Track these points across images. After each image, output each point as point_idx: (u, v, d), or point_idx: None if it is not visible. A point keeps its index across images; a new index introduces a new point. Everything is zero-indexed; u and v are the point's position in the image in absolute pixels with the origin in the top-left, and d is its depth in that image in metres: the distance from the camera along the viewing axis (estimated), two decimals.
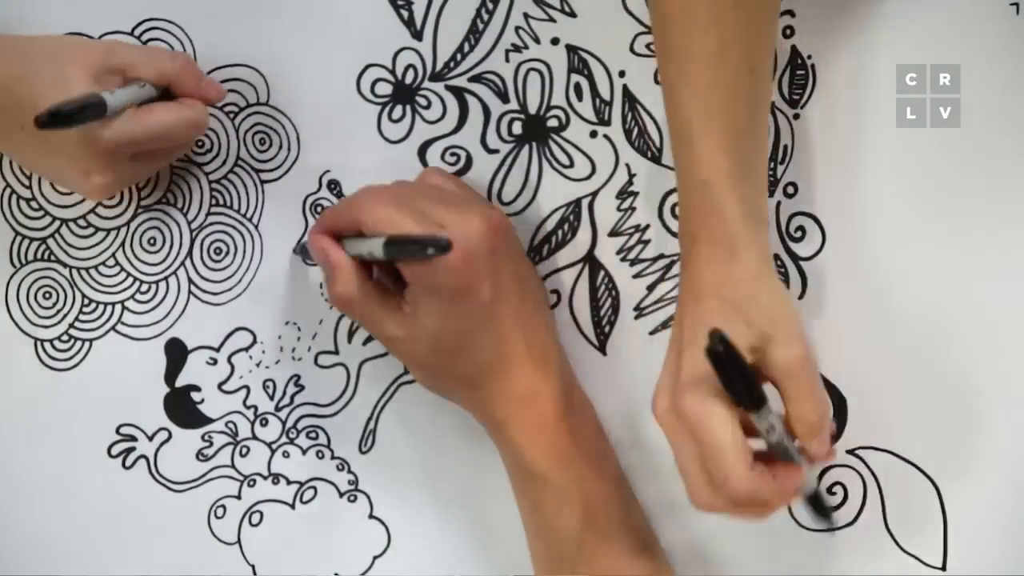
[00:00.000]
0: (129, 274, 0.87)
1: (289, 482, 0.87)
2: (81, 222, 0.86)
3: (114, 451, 0.87)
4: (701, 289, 0.75)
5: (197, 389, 0.87)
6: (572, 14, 0.86)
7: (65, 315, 0.87)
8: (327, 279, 0.81)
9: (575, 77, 0.86)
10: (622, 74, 0.86)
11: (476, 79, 0.86)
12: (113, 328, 0.87)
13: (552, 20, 0.86)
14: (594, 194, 0.87)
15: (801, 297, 0.86)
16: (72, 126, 0.74)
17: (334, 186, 0.87)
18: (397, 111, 0.87)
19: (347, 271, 0.80)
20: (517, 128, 0.87)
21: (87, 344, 0.87)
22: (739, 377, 0.69)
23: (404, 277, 0.79)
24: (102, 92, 0.77)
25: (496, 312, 0.79)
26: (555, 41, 0.86)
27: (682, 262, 0.78)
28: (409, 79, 0.87)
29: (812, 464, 0.75)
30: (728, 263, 0.75)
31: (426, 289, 0.78)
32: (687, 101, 0.76)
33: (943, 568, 0.86)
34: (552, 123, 0.86)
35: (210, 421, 0.87)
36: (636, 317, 0.87)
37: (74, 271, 0.87)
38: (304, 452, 0.87)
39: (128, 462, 0.87)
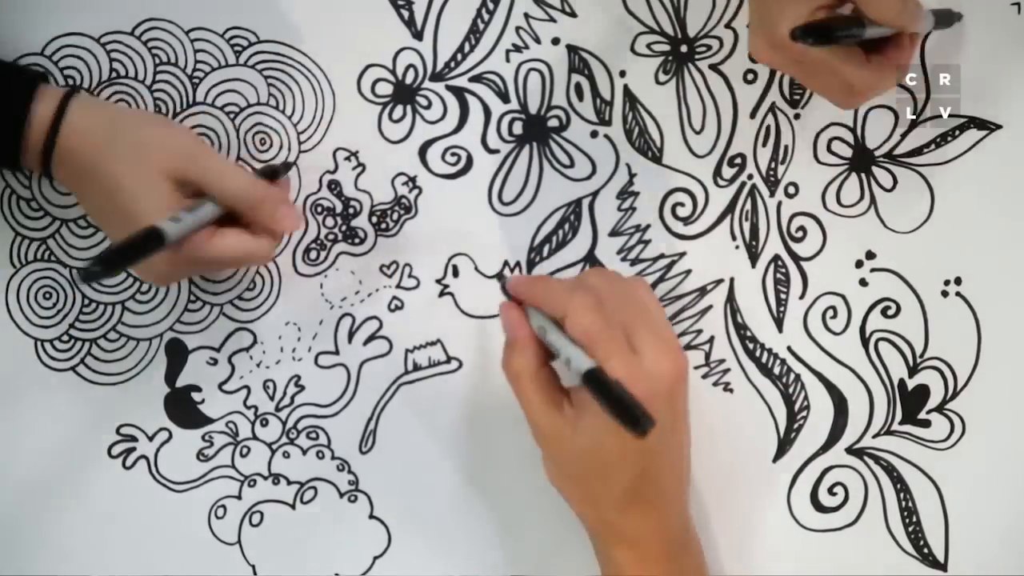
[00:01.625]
0: (129, 274, 0.87)
1: (289, 482, 0.87)
2: (81, 222, 0.86)
3: (114, 451, 0.87)
4: None
5: (198, 389, 0.87)
6: (573, 14, 0.86)
7: (65, 315, 0.86)
8: (507, 346, 0.79)
9: (576, 77, 0.86)
10: (623, 74, 0.86)
11: (477, 79, 0.86)
12: (113, 328, 0.87)
13: (553, 20, 0.86)
14: (595, 194, 0.87)
15: (802, 297, 0.86)
16: (128, 266, 0.72)
17: (334, 186, 0.87)
18: (398, 111, 0.87)
19: (530, 347, 0.78)
20: (518, 128, 0.87)
21: (87, 344, 0.86)
22: (838, 35, 0.73)
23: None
24: (163, 223, 0.74)
25: (649, 453, 0.77)
26: (556, 41, 0.86)
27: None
28: (410, 79, 0.87)
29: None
30: None
31: (596, 412, 0.73)
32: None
33: (944, 568, 0.86)
34: (553, 123, 0.86)
35: (210, 421, 0.87)
36: None
37: (75, 271, 0.86)
38: (304, 452, 0.87)
39: (128, 462, 0.87)
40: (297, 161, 0.86)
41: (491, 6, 0.86)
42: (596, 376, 0.71)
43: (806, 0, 0.75)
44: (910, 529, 0.86)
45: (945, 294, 0.86)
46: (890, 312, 0.86)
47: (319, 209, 0.87)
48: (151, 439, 0.87)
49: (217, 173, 0.79)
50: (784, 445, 0.87)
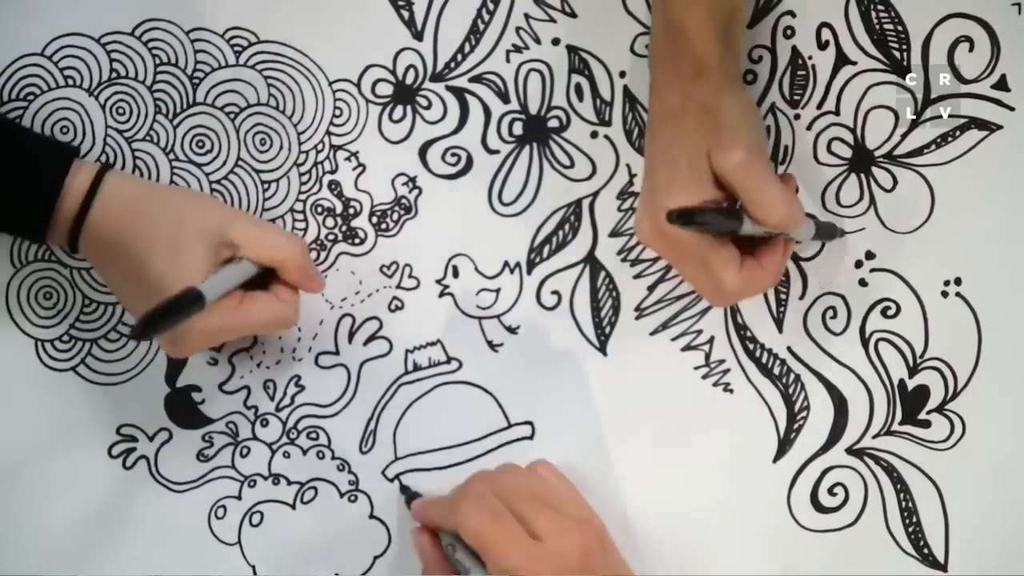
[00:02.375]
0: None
1: (290, 482, 0.87)
2: None
3: (115, 451, 0.87)
4: (667, 107, 0.78)
5: (198, 389, 0.87)
6: (573, 14, 0.86)
7: (66, 315, 0.86)
8: (423, 572, 0.83)
9: (576, 77, 0.86)
10: (623, 74, 0.86)
11: (477, 79, 0.86)
12: (114, 328, 0.87)
13: (553, 20, 0.86)
14: (595, 194, 0.87)
15: (802, 297, 0.86)
16: (168, 327, 0.72)
17: (334, 186, 0.87)
18: (398, 111, 0.87)
19: (440, 573, 0.81)
20: (518, 128, 0.87)
21: (88, 344, 0.86)
22: (709, 223, 0.74)
23: None
24: (202, 285, 0.74)
25: None
26: (556, 41, 0.86)
27: (651, 85, 0.81)
28: (410, 79, 0.87)
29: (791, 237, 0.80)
30: (693, 80, 0.77)
31: None
32: None
33: (944, 568, 0.86)
34: (553, 123, 0.86)
35: (211, 421, 0.87)
36: (637, 318, 0.87)
37: (75, 271, 0.86)
38: (304, 452, 0.87)
39: (129, 462, 0.87)
40: (297, 161, 0.86)
41: (491, 6, 0.86)
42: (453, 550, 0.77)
43: (696, 189, 0.76)
44: (910, 529, 0.86)
45: (945, 294, 0.86)
46: (890, 312, 0.86)
47: (319, 209, 0.87)
48: (151, 439, 0.87)
49: (255, 232, 0.81)
50: (784, 445, 0.87)
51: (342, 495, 0.87)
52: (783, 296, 0.86)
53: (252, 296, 0.81)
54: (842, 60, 0.85)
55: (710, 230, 0.76)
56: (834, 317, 0.86)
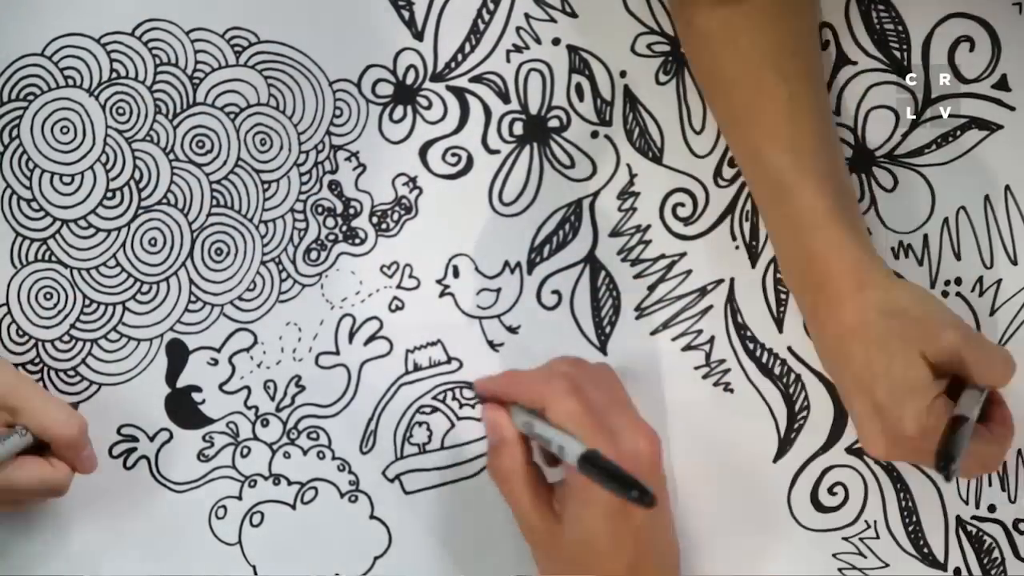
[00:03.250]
0: (130, 274, 0.87)
1: (290, 483, 0.87)
2: (82, 223, 0.86)
3: (115, 451, 0.87)
4: (845, 326, 0.77)
5: (198, 390, 0.87)
6: (573, 14, 0.86)
7: (66, 316, 0.86)
8: (492, 448, 0.80)
9: (576, 77, 0.86)
10: (623, 74, 0.86)
11: (477, 79, 0.86)
12: (114, 328, 0.87)
13: (553, 20, 0.86)
14: (595, 194, 0.87)
15: None
16: None
17: (334, 186, 0.87)
18: (398, 111, 0.87)
19: (516, 448, 0.79)
20: (518, 128, 0.87)
21: (88, 344, 0.86)
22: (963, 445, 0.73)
23: (565, 474, 0.78)
24: None
25: (640, 535, 0.78)
26: (556, 41, 0.86)
27: (808, 310, 0.81)
28: (410, 79, 0.87)
29: None
30: (860, 291, 0.77)
31: (584, 501, 0.77)
32: (774, 156, 0.79)
33: (944, 568, 0.86)
34: (553, 123, 0.86)
35: (211, 422, 0.87)
36: (637, 318, 0.87)
37: (75, 272, 0.86)
38: (305, 453, 0.87)
39: (129, 462, 0.87)
40: (297, 161, 0.86)
41: (491, 6, 0.86)
42: (593, 458, 0.74)
43: (921, 391, 0.76)
44: (910, 529, 0.86)
45: (945, 294, 0.86)
46: None
47: (319, 209, 0.87)
48: (152, 439, 0.87)
49: (36, 404, 0.80)
50: (784, 445, 0.87)
51: (342, 495, 0.87)
52: (783, 296, 0.86)
53: (23, 460, 0.80)
54: (842, 60, 0.85)
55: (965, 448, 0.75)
56: None
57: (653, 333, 0.87)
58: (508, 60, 0.86)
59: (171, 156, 0.86)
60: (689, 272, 0.87)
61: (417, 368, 0.87)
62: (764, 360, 0.87)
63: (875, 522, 0.86)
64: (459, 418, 0.87)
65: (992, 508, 0.86)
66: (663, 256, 0.87)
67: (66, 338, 0.87)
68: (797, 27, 0.81)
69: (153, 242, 0.87)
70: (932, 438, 0.74)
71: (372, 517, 0.87)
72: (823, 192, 0.78)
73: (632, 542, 0.77)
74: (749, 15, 0.79)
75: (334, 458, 0.87)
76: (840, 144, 0.84)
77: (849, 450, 0.86)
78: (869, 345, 0.77)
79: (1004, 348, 0.80)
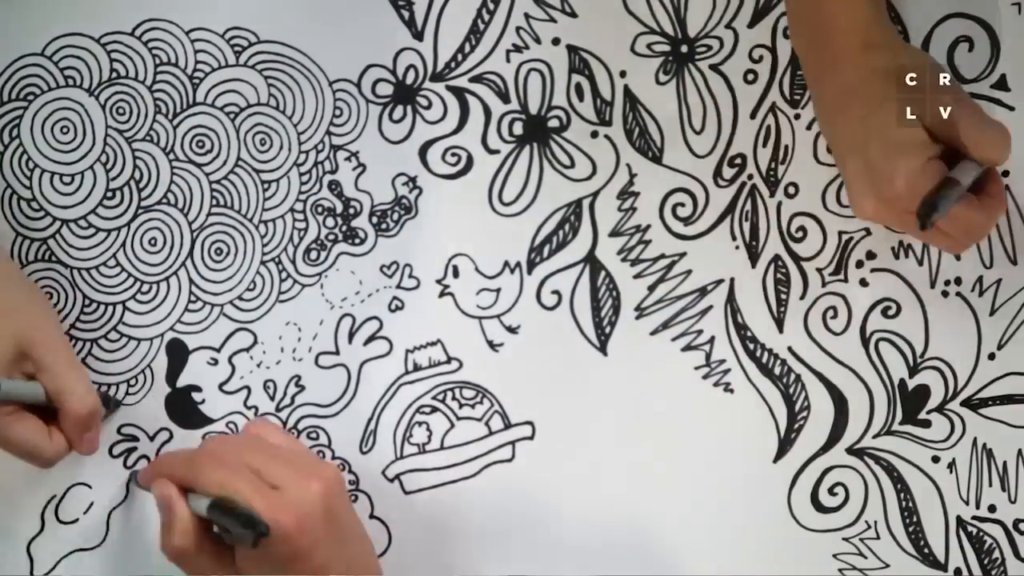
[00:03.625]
0: (130, 274, 0.87)
1: None
2: (82, 223, 0.86)
3: (116, 451, 0.87)
4: (846, 83, 0.78)
5: (198, 389, 0.87)
6: (573, 14, 0.86)
7: (66, 315, 0.86)
8: (163, 528, 0.80)
9: (576, 77, 0.86)
10: (623, 74, 0.86)
11: (477, 79, 0.86)
12: (114, 328, 0.87)
13: (553, 20, 0.86)
14: (595, 194, 0.87)
15: (802, 297, 0.86)
16: None
17: (334, 186, 0.87)
18: (398, 111, 0.87)
19: (184, 524, 0.78)
20: (518, 128, 0.87)
21: (88, 344, 0.86)
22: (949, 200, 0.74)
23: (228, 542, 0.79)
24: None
25: (327, 572, 0.78)
26: (556, 41, 0.86)
27: (810, 63, 0.81)
28: (410, 79, 0.87)
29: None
30: (864, 52, 0.77)
31: (258, 555, 0.76)
32: None
33: (944, 568, 0.86)
34: (553, 123, 0.86)
35: (211, 421, 0.87)
36: (637, 317, 0.87)
37: (75, 271, 0.86)
38: None
39: (130, 462, 0.87)
40: (297, 161, 0.86)
41: (491, 6, 0.86)
42: (215, 504, 0.76)
43: (915, 150, 0.76)
44: (910, 529, 0.86)
45: (945, 294, 0.86)
46: (890, 312, 0.86)
47: (319, 209, 0.87)
48: (152, 439, 0.87)
49: (66, 368, 0.81)
50: (784, 445, 0.87)
51: None
52: (783, 296, 0.86)
53: (24, 415, 0.80)
54: None
55: (950, 206, 0.75)
56: (834, 317, 0.86)
57: (653, 333, 0.87)
58: (508, 60, 0.86)
59: (171, 156, 0.86)
60: (689, 272, 0.87)
61: (417, 368, 0.87)
62: (764, 360, 0.87)
63: (875, 522, 0.86)
64: (459, 418, 0.87)
65: (992, 508, 0.86)
66: (663, 256, 0.87)
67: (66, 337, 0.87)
68: None
69: (153, 242, 0.87)
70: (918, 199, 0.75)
71: (372, 517, 0.87)
72: None
73: None
74: None
75: (334, 458, 0.87)
76: None
77: (849, 450, 0.86)
78: (868, 103, 0.77)
79: (1002, 124, 0.79)
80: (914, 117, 0.76)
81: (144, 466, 0.84)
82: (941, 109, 0.76)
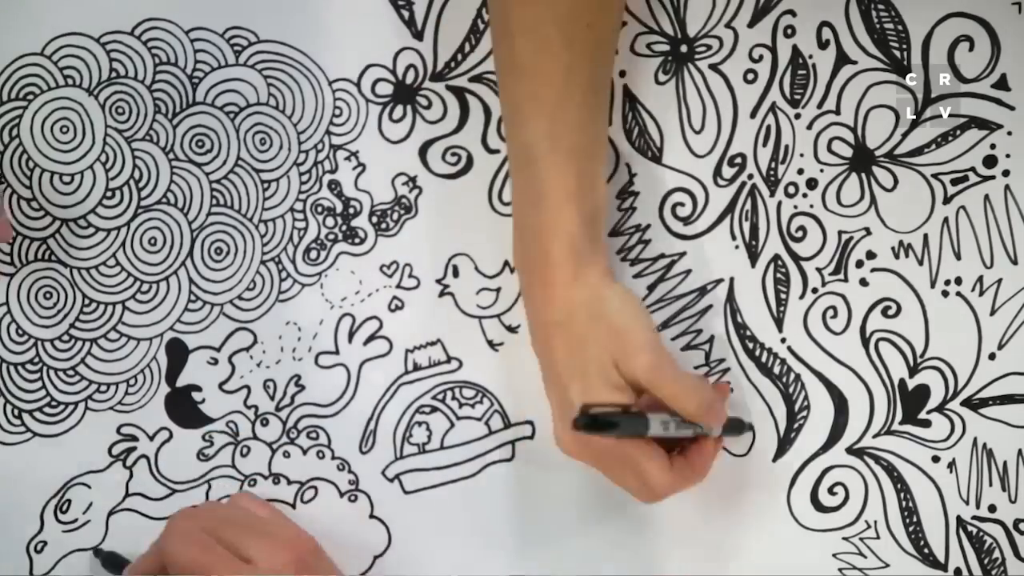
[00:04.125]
0: (130, 274, 0.87)
1: (290, 482, 0.87)
2: (82, 222, 0.86)
3: (115, 451, 0.87)
4: (552, 316, 0.78)
5: (198, 389, 0.87)
6: None
7: (66, 315, 0.87)
8: None
9: None
10: (622, 74, 0.86)
11: (477, 79, 0.86)
12: (114, 328, 0.87)
13: None
14: None
15: (801, 297, 0.86)
16: None
17: (334, 186, 0.87)
18: (398, 111, 0.87)
19: None
20: None
21: (88, 344, 0.86)
22: (616, 428, 0.74)
23: None
24: None
25: None
26: None
27: (525, 288, 0.81)
28: (410, 79, 0.87)
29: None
30: (572, 286, 0.78)
31: None
32: (532, 120, 0.78)
33: (944, 568, 0.86)
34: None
35: (211, 421, 0.87)
36: None
37: (75, 271, 0.86)
38: (305, 452, 0.87)
39: (129, 461, 0.87)
40: (297, 161, 0.86)
41: None
42: None
43: (616, 396, 0.76)
44: (910, 529, 0.86)
45: (945, 294, 0.86)
46: (890, 312, 0.86)
47: (319, 209, 0.87)
48: (151, 439, 0.87)
49: None
50: (784, 445, 0.87)
51: (342, 495, 0.87)
52: (783, 296, 0.86)
53: None
54: (842, 59, 0.85)
55: (623, 435, 0.76)
56: (834, 317, 0.86)
57: None
58: None
59: (171, 155, 0.86)
60: (689, 272, 0.87)
61: (417, 368, 0.87)
62: (764, 360, 0.87)
63: (875, 522, 0.86)
64: (459, 418, 0.87)
65: (992, 508, 0.86)
66: (663, 256, 0.87)
67: (66, 337, 0.87)
68: (598, 1, 0.79)
69: (153, 241, 0.87)
70: (615, 445, 0.76)
71: (372, 517, 0.87)
72: (568, 171, 0.77)
73: None
74: None
75: (334, 457, 0.87)
76: (606, 125, 0.82)
77: (849, 450, 0.86)
78: (570, 342, 0.78)
79: (708, 386, 0.80)
80: (613, 365, 0.77)
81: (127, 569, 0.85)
82: (634, 366, 0.76)
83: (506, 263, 0.87)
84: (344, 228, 0.87)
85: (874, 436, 0.86)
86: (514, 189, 0.81)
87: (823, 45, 0.85)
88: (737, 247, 0.86)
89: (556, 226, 0.78)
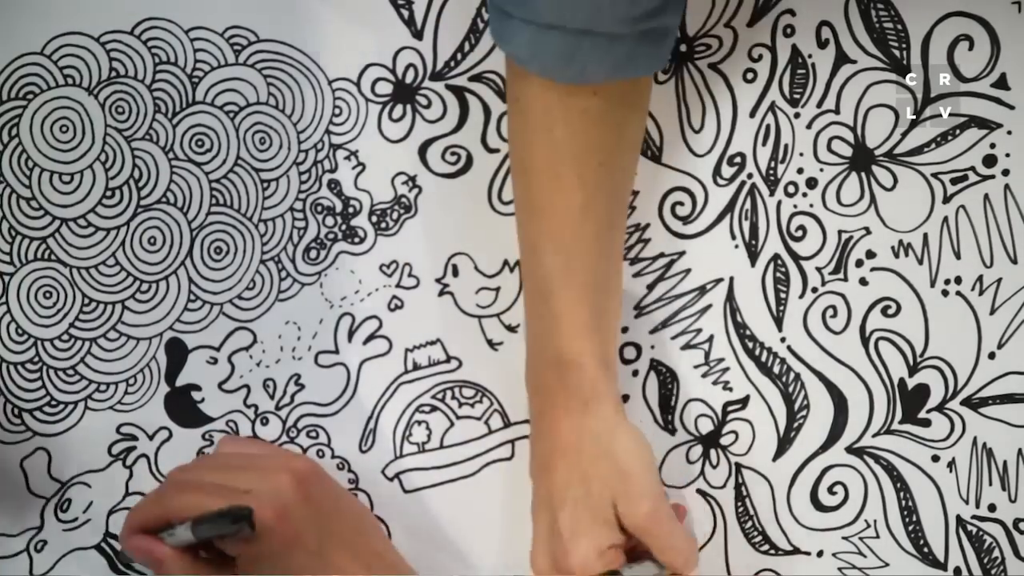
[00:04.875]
0: (129, 274, 0.87)
1: None
2: (81, 222, 0.86)
3: (115, 450, 0.87)
4: (560, 443, 0.79)
5: (197, 388, 0.87)
6: None
7: (65, 315, 0.86)
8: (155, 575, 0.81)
9: None
10: None
11: (476, 78, 0.86)
12: (113, 327, 0.87)
13: None
14: None
15: (801, 296, 0.86)
16: None
17: (334, 185, 0.87)
18: (397, 110, 0.87)
19: (174, 561, 0.79)
20: None
21: (87, 343, 0.87)
22: None
23: (228, 553, 0.79)
24: None
25: (328, 553, 0.79)
26: None
27: (536, 414, 0.81)
28: (409, 78, 0.87)
29: None
30: (584, 415, 0.78)
31: (254, 558, 0.78)
32: (548, 256, 0.79)
33: (944, 568, 0.86)
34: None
35: (211, 420, 0.87)
36: (636, 316, 0.87)
37: (74, 271, 0.86)
38: (304, 451, 0.87)
39: (129, 461, 0.87)
40: (297, 160, 0.86)
41: None
42: (199, 520, 0.76)
43: (605, 535, 0.77)
44: (910, 528, 0.86)
45: (945, 293, 0.86)
46: (890, 312, 0.86)
47: (319, 209, 0.87)
48: (151, 438, 0.87)
49: None
50: (784, 444, 0.87)
51: None
52: (783, 295, 0.86)
53: None
54: (842, 59, 0.85)
55: None
56: (834, 316, 0.86)
57: (652, 332, 0.87)
58: None
59: (170, 155, 0.86)
60: (688, 271, 0.87)
61: (416, 367, 0.87)
62: (763, 359, 0.87)
63: (875, 521, 0.86)
64: (458, 417, 0.87)
65: (992, 507, 0.86)
66: (662, 255, 0.87)
67: (65, 337, 0.87)
68: (612, 140, 0.80)
69: (152, 241, 0.87)
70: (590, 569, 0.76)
71: None
72: (583, 304, 0.79)
73: (315, 562, 0.79)
74: (570, 109, 0.78)
75: (333, 456, 0.87)
76: (620, 260, 0.83)
77: (849, 449, 0.86)
78: (572, 470, 0.78)
79: (692, 539, 0.80)
80: (611, 503, 0.77)
81: (123, 528, 0.84)
82: (634, 510, 0.77)
83: (505, 262, 0.87)
84: (344, 227, 0.87)
85: (874, 435, 0.86)
86: (528, 319, 0.82)
87: (822, 44, 0.85)
88: (737, 246, 0.86)
89: (571, 356, 0.79)
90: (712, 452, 0.87)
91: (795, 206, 0.86)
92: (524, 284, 0.83)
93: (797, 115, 0.86)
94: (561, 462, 0.79)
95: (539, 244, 0.80)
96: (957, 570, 0.86)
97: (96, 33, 0.86)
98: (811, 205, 0.86)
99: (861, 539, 0.86)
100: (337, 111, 0.87)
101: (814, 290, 0.86)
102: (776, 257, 0.86)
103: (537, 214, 0.80)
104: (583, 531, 0.77)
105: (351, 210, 0.87)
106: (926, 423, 0.86)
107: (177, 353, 0.87)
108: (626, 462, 0.78)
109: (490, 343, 0.87)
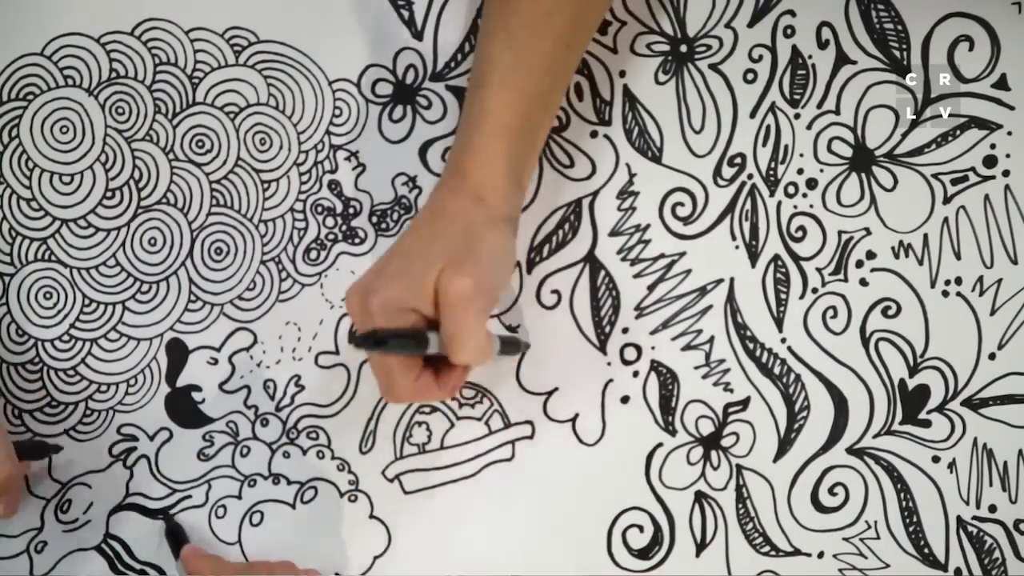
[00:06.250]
0: (130, 274, 0.87)
1: (290, 482, 0.87)
2: (81, 222, 0.86)
3: (115, 450, 0.87)
4: (438, 210, 0.79)
5: (198, 389, 0.87)
6: None
7: (66, 315, 0.87)
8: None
9: (575, 77, 0.86)
10: (622, 74, 0.86)
11: None
12: (114, 328, 0.87)
13: None
14: (595, 194, 0.87)
15: (801, 297, 0.86)
16: None
17: (334, 186, 0.87)
18: (398, 111, 0.87)
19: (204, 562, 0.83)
20: None
21: (88, 344, 0.87)
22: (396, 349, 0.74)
23: None
24: None
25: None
26: None
27: (437, 186, 0.80)
28: (410, 79, 0.87)
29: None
30: (476, 205, 0.78)
31: None
32: (499, 49, 0.79)
33: (944, 568, 0.86)
34: (553, 123, 0.86)
35: (211, 421, 0.87)
36: (637, 317, 0.87)
37: (75, 271, 0.87)
38: (304, 452, 0.87)
39: (129, 461, 0.87)
40: (297, 161, 0.86)
41: None
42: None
43: (410, 296, 0.75)
44: (910, 529, 0.86)
45: (945, 294, 0.86)
46: (890, 312, 0.86)
47: (319, 209, 0.87)
48: (152, 439, 0.87)
49: None
50: (784, 445, 0.87)
51: (342, 495, 0.87)
52: (783, 296, 0.86)
53: None
54: (842, 59, 0.85)
55: (396, 353, 0.76)
56: (834, 317, 0.86)
57: (653, 332, 0.87)
58: None
59: (171, 156, 0.86)
60: (689, 272, 0.87)
61: None
62: (764, 360, 0.87)
63: (875, 522, 0.86)
64: (458, 418, 0.87)
65: (993, 508, 0.86)
66: (663, 255, 0.87)
67: (66, 337, 0.87)
68: None
69: (153, 242, 0.87)
70: (388, 319, 0.75)
71: (372, 517, 0.87)
72: (515, 109, 0.79)
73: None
74: None
75: (333, 457, 0.87)
76: (567, 83, 0.84)
77: (849, 450, 0.86)
78: (432, 233, 0.77)
79: (487, 349, 0.77)
80: (438, 270, 0.75)
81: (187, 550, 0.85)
82: (457, 283, 0.75)
83: None
84: (344, 228, 0.87)
85: (874, 436, 0.86)
86: (464, 105, 0.81)
87: (823, 45, 0.85)
88: (737, 247, 0.86)
89: (488, 155, 0.79)
90: (713, 453, 0.87)
91: (795, 207, 0.86)
92: (472, 70, 0.82)
93: (797, 116, 0.86)
94: (428, 224, 0.78)
95: (496, 34, 0.80)
96: (958, 571, 0.86)
97: (96, 34, 0.86)
98: (811, 206, 0.86)
99: (862, 540, 0.86)
100: (337, 112, 0.87)
101: (814, 291, 0.86)
102: (776, 258, 0.86)
103: (503, 4, 0.80)
104: (398, 285, 0.75)
105: (351, 211, 0.87)
106: (926, 424, 0.86)
107: (177, 354, 0.87)
108: (481, 249, 0.77)
109: None
